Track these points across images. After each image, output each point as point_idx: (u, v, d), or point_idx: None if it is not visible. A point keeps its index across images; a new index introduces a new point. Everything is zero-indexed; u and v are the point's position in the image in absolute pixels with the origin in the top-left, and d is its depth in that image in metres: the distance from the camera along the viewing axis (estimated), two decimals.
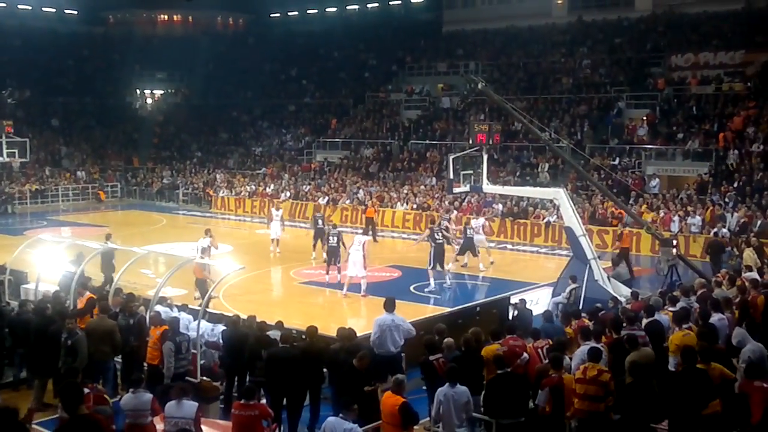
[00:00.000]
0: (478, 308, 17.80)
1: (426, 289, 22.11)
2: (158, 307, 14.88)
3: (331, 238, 23.00)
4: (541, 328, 13.52)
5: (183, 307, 15.49)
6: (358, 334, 13.43)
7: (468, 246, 25.20)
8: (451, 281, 22.80)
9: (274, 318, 14.69)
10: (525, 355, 11.99)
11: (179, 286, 20.85)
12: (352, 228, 35.79)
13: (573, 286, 18.97)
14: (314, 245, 26.64)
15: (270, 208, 38.95)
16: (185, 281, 20.27)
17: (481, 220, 27.31)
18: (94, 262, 18.86)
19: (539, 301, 19.26)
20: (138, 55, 62.59)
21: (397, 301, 14.28)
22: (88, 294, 15.63)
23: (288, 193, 41.07)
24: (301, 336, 13.52)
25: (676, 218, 29.54)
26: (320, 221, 27.04)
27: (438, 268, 22.54)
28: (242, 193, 43.00)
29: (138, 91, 65.32)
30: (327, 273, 23.15)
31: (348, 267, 21.82)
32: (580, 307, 17.38)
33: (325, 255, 23.39)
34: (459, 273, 24.73)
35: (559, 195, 21.09)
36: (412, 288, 22.61)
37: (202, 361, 13.73)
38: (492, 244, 28.59)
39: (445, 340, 12.17)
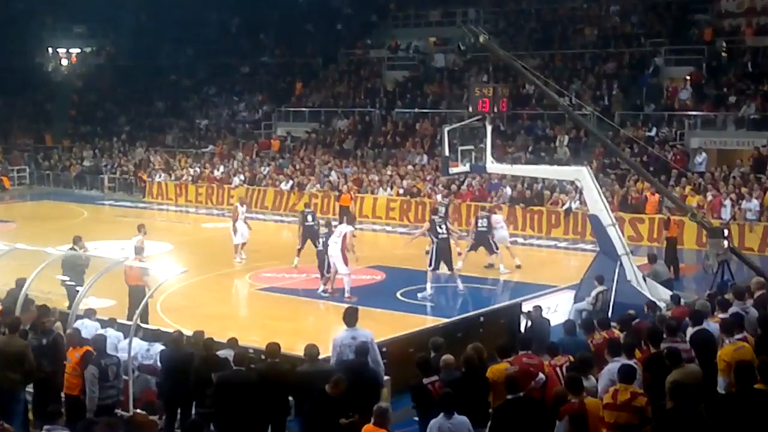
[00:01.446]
0: (481, 318, 17.85)
1: (420, 295, 22.16)
2: (79, 323, 14.82)
3: (320, 240, 22.88)
4: (559, 342, 13.57)
5: (110, 322, 15.43)
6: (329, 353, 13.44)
7: (482, 241, 25.31)
8: (463, 285, 22.90)
9: (227, 334, 14.68)
10: (541, 375, 12.03)
11: (106, 296, 20.74)
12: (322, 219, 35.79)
13: (600, 288, 19.03)
14: (300, 248, 25.55)
15: (228, 198, 38.89)
16: (114, 289, 20.18)
17: (500, 216, 27.15)
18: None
19: (558, 309, 19.29)
20: (50, 4, 62.15)
21: (380, 310, 14.30)
22: None
23: (242, 177, 41.01)
24: (260, 356, 13.51)
25: (727, 202, 29.71)
26: (310, 217, 25.85)
27: (445, 269, 22.60)
28: (184, 178, 42.90)
29: (50, 50, 64.89)
30: (324, 283, 22.80)
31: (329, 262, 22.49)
32: (609, 314, 17.43)
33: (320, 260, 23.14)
34: (462, 275, 24.79)
35: (582, 175, 21.14)
36: (398, 294, 22.65)
37: (135, 390, 13.68)
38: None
39: (442, 358, 12.21)
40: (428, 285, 22.24)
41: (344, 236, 22.11)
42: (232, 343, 14.11)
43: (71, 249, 20.30)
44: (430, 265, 22.40)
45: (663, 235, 26.12)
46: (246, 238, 27.25)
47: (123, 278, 19.57)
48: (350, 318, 13.67)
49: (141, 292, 18.89)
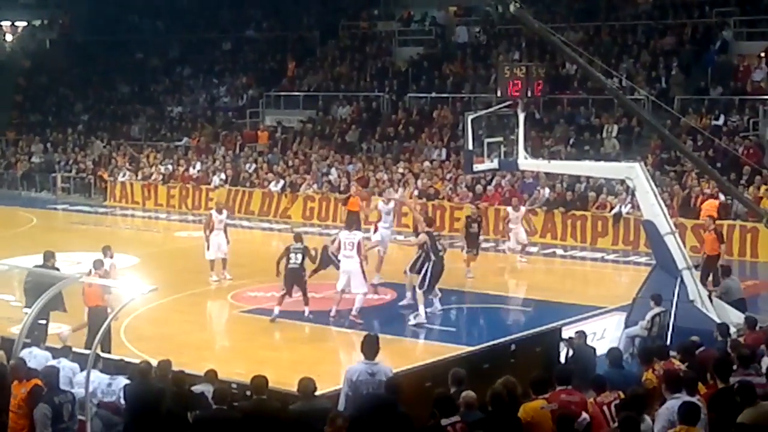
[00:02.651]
0: (513, 346, 17.81)
1: (412, 320, 22.15)
2: (26, 352, 14.83)
3: (293, 255, 22.80)
4: (606, 375, 13.56)
5: (64, 352, 15.46)
6: (329, 388, 13.44)
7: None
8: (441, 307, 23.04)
9: (204, 365, 14.69)
10: (584, 415, 12.02)
11: (60, 320, 20.79)
12: (321, 227, 35.85)
13: (656, 310, 19.03)
14: (283, 294, 23.34)
15: (207, 202, 38.89)
16: (69, 312, 20.21)
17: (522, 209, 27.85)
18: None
19: (606, 335, 19.26)
20: None
21: (390, 336, 14.32)
22: None
23: (223, 176, 41.06)
24: (245, 392, 13.51)
25: None
26: (298, 257, 23.16)
27: (432, 293, 22.77)
28: (153, 177, 42.97)
29: None
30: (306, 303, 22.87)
31: (340, 278, 22.59)
32: (668, 341, 17.41)
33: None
34: (482, 292, 24.84)
35: (635, 173, 21.13)
36: (412, 317, 22.65)
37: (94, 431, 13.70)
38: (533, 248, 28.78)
39: (464, 394, 12.20)
40: (420, 308, 22.15)
41: (359, 245, 22.29)
42: (210, 377, 14.11)
43: (43, 266, 20.10)
44: (423, 285, 22.27)
45: (705, 247, 25.48)
46: (225, 253, 26.97)
47: (80, 298, 19.60)
48: (369, 348, 13.63)
49: (102, 314, 18.91)
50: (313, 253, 23.55)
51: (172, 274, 27.17)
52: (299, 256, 22.70)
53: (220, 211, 27.70)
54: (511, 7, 22.48)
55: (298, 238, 23.60)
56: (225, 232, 27.06)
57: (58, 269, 20.15)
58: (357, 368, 13.51)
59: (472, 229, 27.37)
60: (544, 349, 17.98)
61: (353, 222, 27.25)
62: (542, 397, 12.17)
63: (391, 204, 27.13)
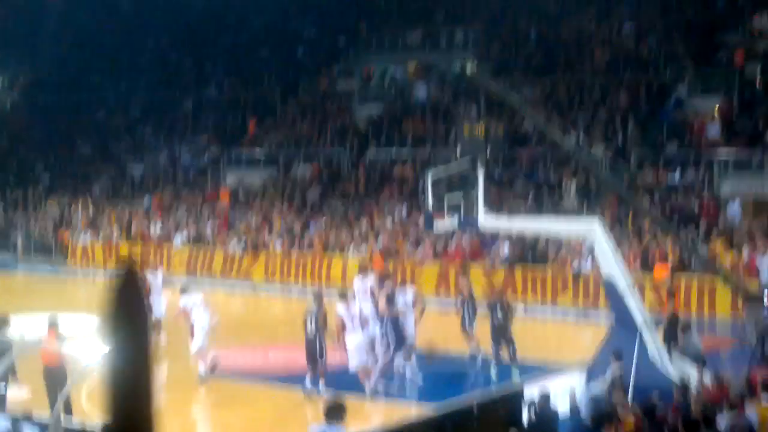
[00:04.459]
0: (475, 407, 17.76)
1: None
2: None
3: (308, 323, 21.34)
4: None
5: (25, 417, 15.28)
6: None
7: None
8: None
9: (167, 430, 14.53)
10: None
11: (18, 385, 20.55)
12: (283, 284, 35.67)
13: (616, 366, 19.04)
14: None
15: (169, 261, 38.76)
16: (29, 375, 19.98)
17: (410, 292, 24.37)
18: None
19: (568, 393, 19.25)
20: None
21: (350, 393, 14.19)
22: None
23: (185, 235, 40.91)
24: None
25: (766, 260, 29.87)
26: (311, 325, 21.57)
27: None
28: (114, 237, 42.74)
29: None
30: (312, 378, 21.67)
31: (349, 352, 21.61)
32: (629, 398, 17.41)
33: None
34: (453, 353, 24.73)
35: (593, 229, 21.24)
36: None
37: None
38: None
39: None
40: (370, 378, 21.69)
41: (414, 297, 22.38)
42: None
43: None
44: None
45: (667, 307, 25.71)
46: (162, 314, 26.64)
47: (39, 360, 19.39)
48: (333, 413, 13.48)
49: (58, 373, 18.72)
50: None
51: None
52: (313, 325, 21.22)
53: (155, 275, 27.72)
54: (468, 69, 22.65)
55: (315, 298, 22.01)
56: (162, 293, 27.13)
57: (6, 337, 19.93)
58: (313, 429, 13.53)
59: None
60: (507, 412, 17.91)
61: (384, 279, 26.95)
62: None
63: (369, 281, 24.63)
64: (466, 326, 24.34)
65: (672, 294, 25.72)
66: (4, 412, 15.63)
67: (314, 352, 21.13)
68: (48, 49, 62.52)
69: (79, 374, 15.87)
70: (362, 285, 24.13)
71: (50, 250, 45.13)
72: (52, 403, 17.48)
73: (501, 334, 22.53)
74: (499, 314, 22.61)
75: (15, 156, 57.32)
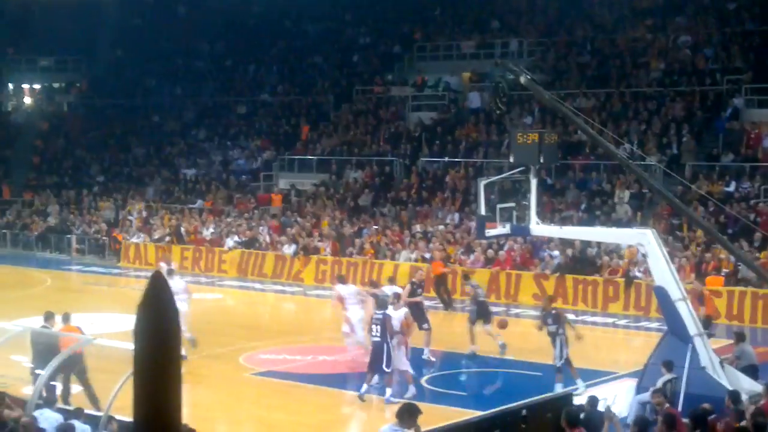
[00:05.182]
0: (524, 411, 17.71)
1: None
2: (37, 413, 14.81)
3: (374, 326, 21.21)
4: None
5: (77, 414, 15.43)
6: None
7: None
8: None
9: (214, 427, 14.63)
10: None
11: (73, 381, 20.77)
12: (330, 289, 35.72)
13: (668, 376, 18.91)
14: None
15: (220, 264, 38.99)
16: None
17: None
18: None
19: (617, 400, 19.12)
20: (11, 32, 63.04)
21: (400, 399, 14.23)
22: None
23: (236, 239, 41.12)
24: None
25: None
26: (378, 330, 21.85)
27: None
28: (167, 239, 43.05)
29: (11, 86, 65.57)
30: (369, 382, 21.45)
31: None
32: (679, 408, 17.27)
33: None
34: (492, 356, 24.71)
35: (646, 239, 21.11)
36: (423, 381, 22.56)
37: None
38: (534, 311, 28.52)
39: None
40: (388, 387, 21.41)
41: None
42: None
43: (43, 327, 20.26)
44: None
45: (699, 312, 25.57)
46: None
47: (91, 360, 19.64)
48: (404, 415, 13.67)
49: (77, 360, 19.08)
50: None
51: (185, 336, 27.09)
52: (379, 328, 21.06)
53: (168, 264, 29.29)
54: (522, 79, 22.61)
55: (380, 304, 21.78)
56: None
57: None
58: (382, 430, 13.89)
59: (417, 294, 25.74)
60: (555, 416, 17.84)
61: (441, 285, 27.78)
62: None
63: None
64: (473, 325, 25.26)
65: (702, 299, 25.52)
66: (57, 406, 15.75)
67: (380, 358, 20.96)
68: (105, 52, 63.19)
69: (126, 379, 15.89)
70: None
71: (103, 250, 45.50)
72: (65, 383, 18.68)
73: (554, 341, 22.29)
74: (550, 323, 22.46)
75: (71, 157, 57.93)
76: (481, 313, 25.51)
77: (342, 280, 26.08)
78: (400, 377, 21.62)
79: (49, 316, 20.78)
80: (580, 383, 21.15)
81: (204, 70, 60.13)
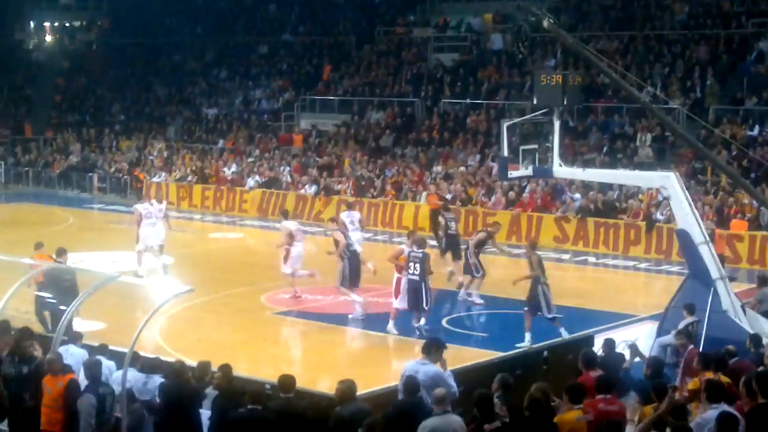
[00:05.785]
0: (545, 352, 17.78)
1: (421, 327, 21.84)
2: (62, 349, 14.90)
3: (411, 264, 21.51)
4: (641, 384, 13.48)
5: (101, 349, 15.49)
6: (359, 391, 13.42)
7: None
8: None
9: (236, 365, 14.67)
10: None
11: (94, 317, 20.90)
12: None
13: (689, 319, 18.88)
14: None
15: (241, 203, 39.07)
16: (103, 310, 20.32)
17: (356, 214, 28.32)
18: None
19: (638, 343, 19.12)
20: None
21: (421, 341, 14.29)
22: None
23: (257, 179, 41.13)
24: (279, 393, 13.49)
25: None
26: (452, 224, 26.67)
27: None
28: (188, 178, 43.09)
29: (32, 25, 65.48)
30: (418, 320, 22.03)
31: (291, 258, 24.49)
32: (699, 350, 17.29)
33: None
34: (513, 298, 24.73)
35: (669, 182, 20.96)
36: (444, 322, 22.62)
37: (129, 430, 13.71)
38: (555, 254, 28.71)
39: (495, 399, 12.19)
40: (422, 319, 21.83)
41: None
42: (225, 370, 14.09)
43: (56, 262, 20.51)
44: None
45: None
46: (162, 239, 27.74)
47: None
48: (429, 349, 14.11)
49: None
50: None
51: (206, 275, 27.26)
52: (417, 266, 21.37)
53: (160, 201, 29.26)
54: (545, 23, 22.39)
55: (419, 243, 22.05)
56: (167, 220, 28.44)
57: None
58: (409, 365, 14.03)
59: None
60: (576, 357, 17.87)
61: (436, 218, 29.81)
62: (577, 407, 12.08)
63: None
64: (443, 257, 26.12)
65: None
66: (82, 342, 15.82)
67: (419, 295, 21.23)
68: None
69: (154, 312, 15.93)
70: (348, 216, 26.93)
71: (125, 189, 45.59)
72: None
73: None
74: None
75: (92, 96, 57.96)
76: (450, 245, 26.06)
77: (286, 215, 26.74)
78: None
79: (61, 252, 21.03)
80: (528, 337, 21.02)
81: (225, 10, 59.84)
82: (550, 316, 21.07)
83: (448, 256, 25.92)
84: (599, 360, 15.33)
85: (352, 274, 23.18)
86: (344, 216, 27.05)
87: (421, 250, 21.49)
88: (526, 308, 21.12)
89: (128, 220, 36.24)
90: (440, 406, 12.13)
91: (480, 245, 24.30)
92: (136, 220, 27.80)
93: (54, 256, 21.05)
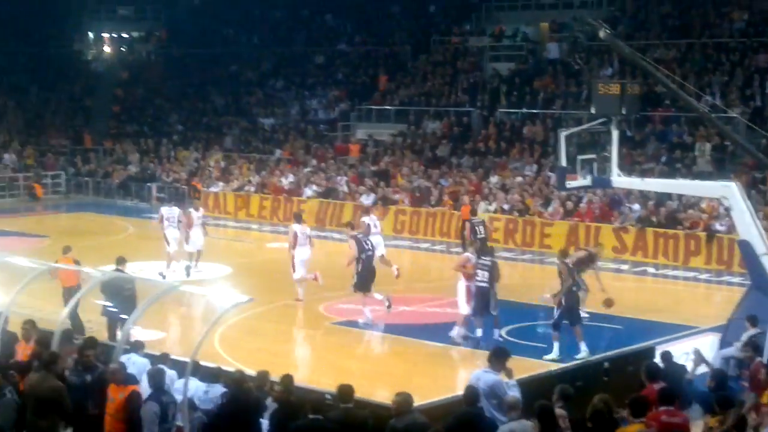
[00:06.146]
0: (606, 364, 17.67)
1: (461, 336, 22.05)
2: (125, 358, 15.01)
3: (479, 271, 21.89)
4: (703, 397, 13.37)
5: (162, 358, 15.60)
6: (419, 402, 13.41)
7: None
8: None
9: (296, 375, 14.73)
10: None
11: (155, 327, 21.06)
12: (412, 240, 35.80)
13: (752, 331, 18.67)
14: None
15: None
16: (164, 319, 20.46)
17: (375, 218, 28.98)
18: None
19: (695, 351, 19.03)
20: None
21: (480, 351, 14.27)
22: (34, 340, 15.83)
23: (314, 188, 41.26)
24: (339, 403, 13.52)
25: None
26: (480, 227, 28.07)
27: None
28: (246, 188, 43.33)
29: (91, 36, 66.20)
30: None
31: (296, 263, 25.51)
32: (766, 362, 17.09)
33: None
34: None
35: (730, 192, 20.78)
36: (503, 332, 22.55)
37: None
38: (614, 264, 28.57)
39: (556, 410, 12.13)
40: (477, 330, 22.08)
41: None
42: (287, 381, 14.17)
43: (116, 271, 20.72)
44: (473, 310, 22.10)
45: None
46: (199, 246, 29.45)
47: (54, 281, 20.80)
48: (494, 358, 14.06)
49: (75, 293, 19.64)
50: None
51: (264, 284, 27.37)
52: (486, 274, 21.74)
53: (197, 209, 31.21)
54: (601, 33, 22.33)
55: (486, 250, 22.67)
56: (203, 226, 30.12)
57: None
58: (476, 373, 14.01)
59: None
60: (637, 369, 17.75)
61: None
62: (639, 420, 11.97)
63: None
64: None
65: None
66: (143, 353, 15.93)
67: (486, 301, 21.60)
68: (183, 3, 63.46)
69: (214, 322, 15.99)
70: (371, 220, 27.47)
71: (183, 198, 45.84)
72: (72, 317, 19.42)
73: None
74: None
75: (150, 106, 58.47)
76: (480, 249, 26.04)
77: (299, 218, 27.38)
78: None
79: (121, 261, 21.40)
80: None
81: (282, 20, 60.20)
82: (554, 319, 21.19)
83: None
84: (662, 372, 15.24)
85: (368, 278, 23.59)
86: (366, 220, 27.75)
87: (489, 258, 21.86)
88: (565, 321, 21.06)
89: (218, 235, 36.63)
90: (514, 412, 12.26)
91: (580, 264, 23.76)
92: (188, 224, 29.35)
93: (116, 266, 21.26)
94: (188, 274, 28.93)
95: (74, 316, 20.84)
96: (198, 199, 44.21)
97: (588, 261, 23.70)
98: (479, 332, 21.82)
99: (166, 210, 30.23)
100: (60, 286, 21.20)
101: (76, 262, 21.62)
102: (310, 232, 26.83)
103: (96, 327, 20.46)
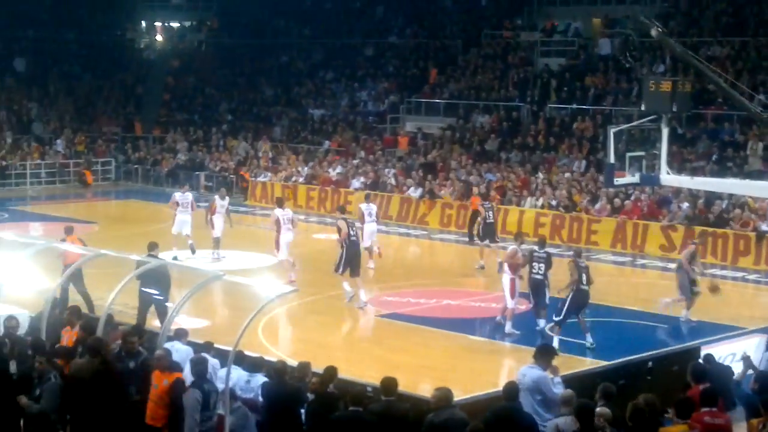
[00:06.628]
0: (650, 363, 17.55)
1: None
2: (168, 345, 15.10)
3: (536, 263, 22.25)
4: (750, 399, 13.26)
5: (206, 347, 15.68)
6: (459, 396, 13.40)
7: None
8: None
9: (338, 367, 14.75)
10: None
11: (200, 315, 21.18)
12: (459, 234, 35.75)
13: None
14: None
15: (345, 205, 39.45)
16: (207, 308, 20.55)
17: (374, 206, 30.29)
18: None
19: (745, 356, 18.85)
20: None
21: (525, 347, 14.23)
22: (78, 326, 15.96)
23: (362, 180, 41.28)
24: (380, 396, 13.51)
25: None
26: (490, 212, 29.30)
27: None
28: (294, 178, 43.44)
29: (143, 24, 66.60)
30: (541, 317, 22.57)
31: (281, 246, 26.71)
32: None
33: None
34: (618, 307, 24.48)
35: None
36: (548, 328, 22.47)
37: (232, 428, 13.84)
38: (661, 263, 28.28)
39: (598, 410, 12.06)
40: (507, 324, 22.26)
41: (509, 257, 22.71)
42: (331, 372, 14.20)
43: (148, 256, 20.67)
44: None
45: None
46: (218, 234, 30.26)
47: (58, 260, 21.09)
48: (540, 355, 14.08)
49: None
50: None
51: (310, 276, 27.39)
52: (542, 266, 21.91)
53: (223, 197, 31.24)
54: (653, 32, 22.20)
55: (541, 242, 22.88)
56: (227, 213, 30.75)
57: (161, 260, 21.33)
58: (522, 369, 14.03)
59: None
60: (682, 368, 17.62)
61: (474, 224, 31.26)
62: (684, 421, 11.88)
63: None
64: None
65: None
66: (186, 341, 16.01)
67: (541, 293, 21.87)
68: None
69: (258, 312, 16.06)
70: (367, 209, 29.14)
71: (231, 187, 46.04)
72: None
73: None
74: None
75: (201, 95, 58.75)
76: (487, 233, 28.92)
77: (280, 203, 29.34)
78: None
79: (152, 247, 21.61)
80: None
81: (333, 12, 60.27)
82: (556, 318, 21.22)
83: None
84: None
85: (346, 262, 24.17)
86: (363, 207, 29.29)
87: (544, 250, 22.01)
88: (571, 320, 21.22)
89: (234, 220, 36.85)
90: (566, 408, 12.33)
91: (692, 257, 23.90)
92: (212, 210, 30.35)
93: (148, 251, 21.33)
94: (193, 252, 29.98)
95: (84, 293, 21.92)
96: (246, 189, 44.50)
97: (695, 253, 24.09)
98: (541, 323, 22.01)
99: (179, 195, 30.93)
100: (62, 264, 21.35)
101: (81, 241, 22.32)
102: (293, 216, 28.04)
103: (132, 312, 20.57)
